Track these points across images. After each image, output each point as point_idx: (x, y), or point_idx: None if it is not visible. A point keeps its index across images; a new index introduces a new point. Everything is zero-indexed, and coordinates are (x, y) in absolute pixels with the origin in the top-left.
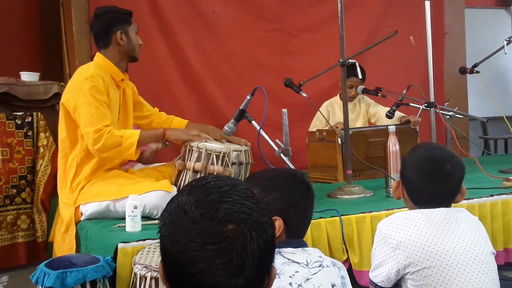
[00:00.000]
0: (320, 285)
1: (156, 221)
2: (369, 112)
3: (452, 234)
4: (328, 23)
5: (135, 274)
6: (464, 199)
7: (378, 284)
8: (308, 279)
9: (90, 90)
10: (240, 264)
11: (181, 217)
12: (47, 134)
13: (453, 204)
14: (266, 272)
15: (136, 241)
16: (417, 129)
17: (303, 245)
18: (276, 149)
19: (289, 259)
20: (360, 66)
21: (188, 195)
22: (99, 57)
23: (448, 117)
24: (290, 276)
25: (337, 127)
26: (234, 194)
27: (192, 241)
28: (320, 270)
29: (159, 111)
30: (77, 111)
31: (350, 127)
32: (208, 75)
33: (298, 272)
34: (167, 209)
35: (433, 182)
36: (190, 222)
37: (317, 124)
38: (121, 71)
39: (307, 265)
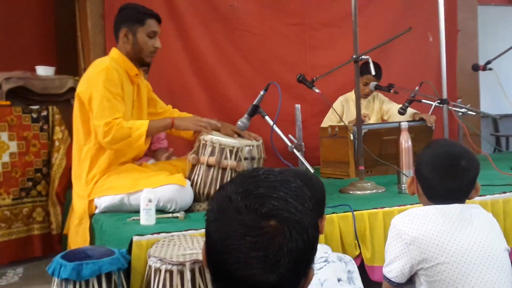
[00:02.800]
0: (325, 280)
1: (170, 215)
2: (382, 109)
3: (466, 231)
4: (350, 17)
5: (150, 266)
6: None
7: (391, 279)
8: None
9: (104, 82)
10: (275, 261)
11: (227, 206)
12: (62, 128)
13: (467, 200)
14: (302, 272)
15: (151, 234)
16: (433, 127)
17: None
18: (289, 144)
19: None
20: (375, 63)
21: (237, 185)
22: (114, 51)
23: (460, 114)
24: None
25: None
26: (282, 191)
27: (233, 230)
28: (325, 265)
29: (173, 108)
30: (92, 102)
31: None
32: (223, 70)
33: None
34: (216, 195)
35: (448, 178)
36: (234, 212)
37: (331, 118)
38: (136, 66)
39: None
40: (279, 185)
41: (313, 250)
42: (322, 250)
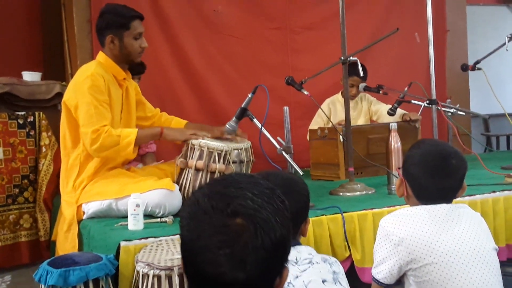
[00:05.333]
0: (310, 282)
1: (158, 220)
2: (370, 110)
3: (454, 230)
4: (331, 21)
5: (138, 272)
6: (466, 196)
7: (380, 280)
8: (297, 277)
9: (89, 89)
10: (241, 258)
11: (196, 209)
12: (49, 134)
13: (455, 200)
14: (273, 271)
15: (139, 239)
16: (417, 126)
17: (296, 244)
18: (278, 147)
19: None
20: (362, 64)
21: (206, 188)
22: (101, 55)
23: (450, 114)
24: None
25: (340, 124)
26: (250, 191)
27: (203, 230)
28: (309, 267)
29: (161, 111)
30: (78, 110)
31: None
32: (210, 74)
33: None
34: (187, 201)
35: (439, 178)
36: (202, 214)
37: (318, 121)
38: (123, 70)
39: (296, 263)
40: (248, 186)
41: (285, 249)
42: (306, 252)
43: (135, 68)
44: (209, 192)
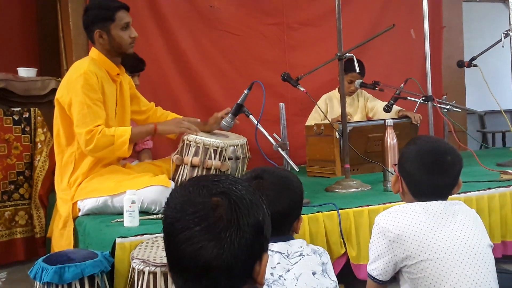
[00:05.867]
0: (300, 274)
1: (154, 216)
2: (367, 107)
3: (449, 227)
4: (328, 17)
5: (133, 268)
6: (462, 192)
7: (375, 277)
8: (288, 270)
9: (82, 88)
10: (217, 231)
11: (174, 197)
12: (45, 130)
13: (450, 197)
14: (250, 255)
15: (134, 236)
16: (418, 125)
17: (288, 239)
18: (274, 143)
19: (272, 250)
20: (359, 60)
21: (189, 180)
22: (93, 51)
23: (446, 110)
24: (272, 267)
25: (338, 121)
26: (229, 183)
27: (182, 211)
28: (300, 259)
29: (156, 106)
30: (71, 108)
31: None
32: (206, 70)
33: (279, 263)
34: (168, 196)
35: (435, 174)
36: (180, 199)
37: (315, 117)
38: (116, 65)
39: (287, 256)
40: (227, 179)
41: (261, 232)
42: (297, 245)
43: (136, 66)
44: (187, 183)
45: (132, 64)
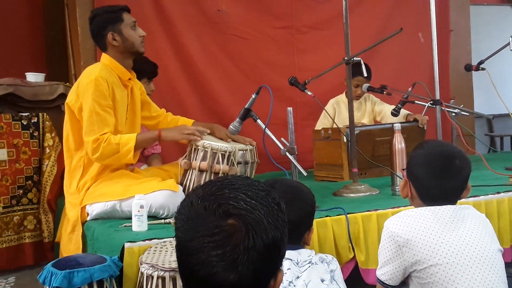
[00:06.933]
0: (309, 281)
1: (162, 221)
2: (374, 111)
3: (459, 232)
4: (338, 20)
5: (142, 273)
6: (471, 196)
7: (385, 282)
8: (298, 277)
9: (93, 95)
10: (233, 259)
11: (189, 211)
12: (53, 135)
13: (459, 201)
14: (266, 273)
15: (143, 240)
16: (425, 128)
17: (298, 248)
18: (282, 148)
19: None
20: (366, 64)
21: (200, 190)
22: (105, 57)
23: (453, 114)
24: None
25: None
26: (243, 193)
27: (196, 231)
28: (309, 267)
29: (166, 112)
30: (81, 113)
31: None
32: (213, 74)
33: (290, 269)
34: (182, 202)
35: (443, 178)
36: (195, 215)
37: (324, 122)
38: (128, 70)
39: (297, 264)
40: (242, 187)
41: (278, 252)
42: (306, 254)
43: (153, 72)
44: (203, 194)
45: (151, 70)
